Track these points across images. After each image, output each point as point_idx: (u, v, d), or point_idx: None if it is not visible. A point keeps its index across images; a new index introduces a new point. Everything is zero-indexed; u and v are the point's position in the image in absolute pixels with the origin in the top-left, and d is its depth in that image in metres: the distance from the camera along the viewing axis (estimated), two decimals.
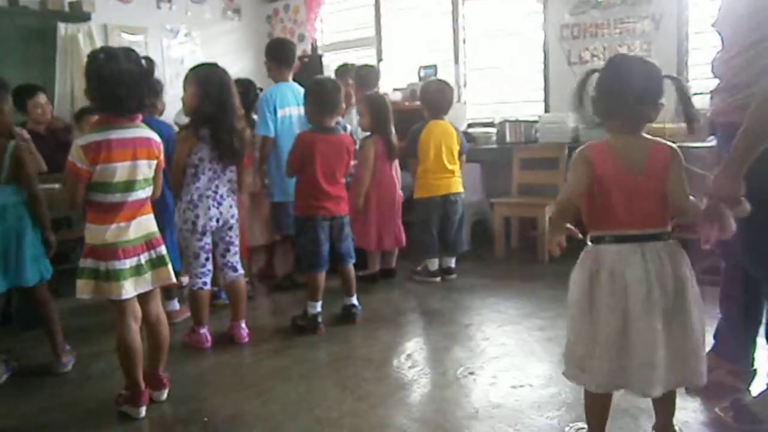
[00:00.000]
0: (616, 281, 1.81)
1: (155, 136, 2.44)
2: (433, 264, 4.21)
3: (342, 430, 2.30)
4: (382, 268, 4.32)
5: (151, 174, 2.44)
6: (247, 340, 3.25)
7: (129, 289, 2.35)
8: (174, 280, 2.56)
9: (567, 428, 2.18)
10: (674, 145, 1.87)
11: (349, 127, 4.06)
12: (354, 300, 3.54)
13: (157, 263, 2.45)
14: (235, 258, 3.24)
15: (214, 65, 3.11)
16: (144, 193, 2.42)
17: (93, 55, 2.31)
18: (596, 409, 1.95)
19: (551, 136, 4.80)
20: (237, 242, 3.24)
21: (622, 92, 1.81)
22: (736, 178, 1.82)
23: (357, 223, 4.02)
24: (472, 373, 2.74)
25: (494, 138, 5.23)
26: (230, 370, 2.98)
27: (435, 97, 4.23)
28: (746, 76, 2.08)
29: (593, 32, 4.94)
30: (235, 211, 3.19)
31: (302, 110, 3.74)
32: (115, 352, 2.45)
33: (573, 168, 1.90)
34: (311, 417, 2.40)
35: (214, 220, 3.08)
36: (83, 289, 2.34)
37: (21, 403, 2.67)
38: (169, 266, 2.50)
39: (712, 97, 2.31)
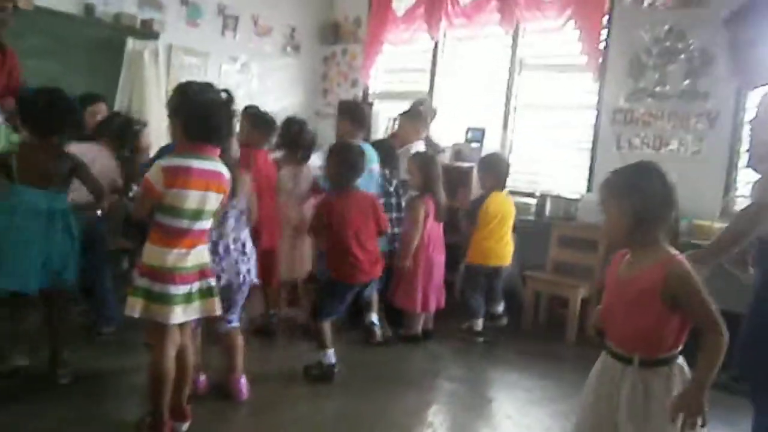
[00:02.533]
0: None
1: (227, 172, 2.49)
2: (478, 325, 4.22)
3: None
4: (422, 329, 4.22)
5: (216, 207, 2.48)
6: (246, 396, 2.97)
7: (178, 314, 2.36)
8: (219, 312, 2.54)
9: None
10: None
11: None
12: (374, 317, 3.50)
13: (206, 293, 2.47)
14: (234, 315, 2.97)
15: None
16: (207, 224, 2.47)
17: (183, 87, 2.42)
18: None
19: (591, 216, 4.77)
20: (244, 299, 3.01)
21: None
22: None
23: (404, 283, 4.01)
24: None
25: (533, 209, 5.23)
26: (251, 408, 2.94)
27: (499, 169, 4.36)
28: None
29: (646, 121, 4.94)
30: (250, 266, 2.91)
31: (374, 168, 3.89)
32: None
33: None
34: None
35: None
36: (133, 306, 2.33)
37: (39, 412, 2.65)
38: (217, 298, 2.51)
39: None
